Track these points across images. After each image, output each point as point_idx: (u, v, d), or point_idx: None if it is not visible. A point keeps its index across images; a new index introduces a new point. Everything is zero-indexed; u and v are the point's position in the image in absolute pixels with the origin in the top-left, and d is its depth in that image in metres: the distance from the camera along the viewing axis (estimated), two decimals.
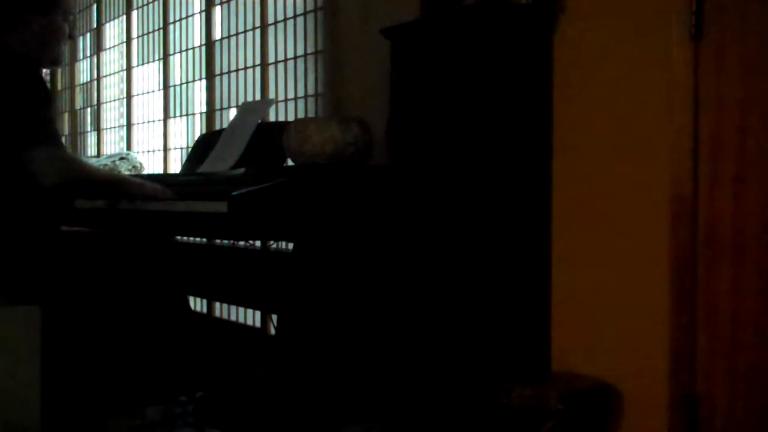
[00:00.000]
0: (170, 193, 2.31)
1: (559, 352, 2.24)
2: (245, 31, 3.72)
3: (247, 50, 3.72)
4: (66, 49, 2.47)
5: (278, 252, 3.16)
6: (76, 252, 2.19)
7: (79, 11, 5.58)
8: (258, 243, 3.12)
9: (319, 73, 3.24)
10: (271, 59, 3.55)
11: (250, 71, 3.69)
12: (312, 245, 2.30)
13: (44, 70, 6.00)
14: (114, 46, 5.18)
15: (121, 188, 2.30)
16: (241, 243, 3.17)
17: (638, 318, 2.05)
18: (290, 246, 2.88)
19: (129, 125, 4.92)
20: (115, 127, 5.19)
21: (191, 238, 3.66)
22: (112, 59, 5.21)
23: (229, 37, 3.86)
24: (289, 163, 2.57)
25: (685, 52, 1.93)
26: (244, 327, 3.64)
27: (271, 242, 3.15)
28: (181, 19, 4.31)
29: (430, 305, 2.25)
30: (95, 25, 5.39)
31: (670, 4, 1.96)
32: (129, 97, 4.92)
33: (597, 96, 2.14)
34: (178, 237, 3.65)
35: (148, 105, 4.73)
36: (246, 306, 3.51)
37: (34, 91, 2.12)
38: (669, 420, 1.98)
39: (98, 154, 5.25)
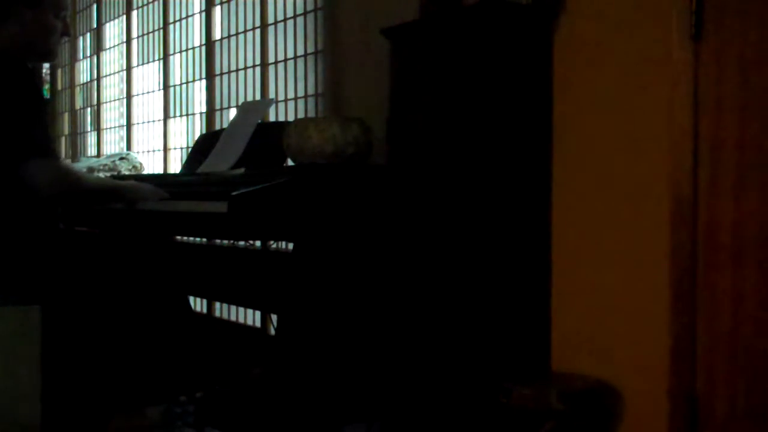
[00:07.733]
0: (165, 193, 2.31)
1: (559, 352, 2.24)
2: (245, 31, 3.72)
3: (247, 50, 3.72)
4: (61, 44, 2.41)
5: (278, 252, 3.16)
6: (77, 252, 2.19)
7: (79, 11, 5.59)
8: (258, 243, 3.12)
9: (319, 73, 3.24)
10: (271, 59, 3.55)
11: (250, 71, 3.69)
12: (312, 245, 2.30)
13: (44, 70, 5.99)
14: (114, 46, 5.18)
15: (116, 194, 2.30)
16: (241, 243, 3.17)
17: (638, 318, 2.05)
18: (290, 246, 2.88)
19: (129, 125, 4.93)
20: (115, 127, 5.19)
21: (191, 238, 3.66)
22: (112, 59, 5.21)
23: (229, 37, 3.86)
24: (289, 163, 2.57)
25: (685, 52, 1.93)
26: (244, 327, 3.64)
27: (271, 242, 3.15)
28: (181, 19, 4.31)
29: (430, 305, 2.25)
30: (95, 25, 5.39)
31: (670, 4, 1.96)
32: (129, 97, 4.93)
33: (597, 96, 2.14)
34: (178, 237, 3.66)
35: (148, 105, 4.73)
36: (246, 306, 3.51)
37: (22, 98, 2.06)
38: (669, 420, 1.98)
39: (98, 154, 5.25)
